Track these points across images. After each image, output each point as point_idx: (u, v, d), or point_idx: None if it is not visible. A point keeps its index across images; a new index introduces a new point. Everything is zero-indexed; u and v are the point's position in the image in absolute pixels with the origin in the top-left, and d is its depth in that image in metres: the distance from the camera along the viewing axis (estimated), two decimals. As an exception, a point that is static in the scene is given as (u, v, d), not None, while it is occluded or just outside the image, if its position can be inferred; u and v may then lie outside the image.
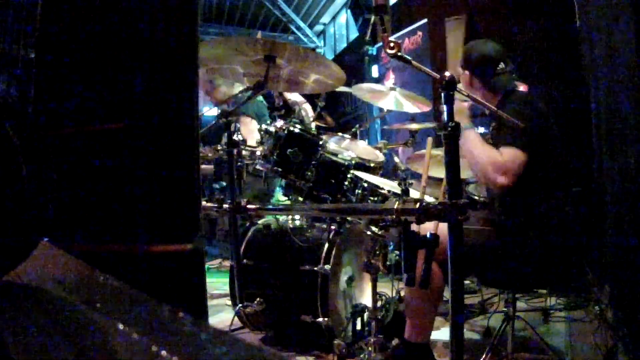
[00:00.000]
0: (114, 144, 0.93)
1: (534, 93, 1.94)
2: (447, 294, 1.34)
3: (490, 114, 1.98)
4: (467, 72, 2.00)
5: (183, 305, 0.52)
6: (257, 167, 2.44)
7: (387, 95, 2.74)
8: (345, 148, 2.53)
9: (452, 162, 1.23)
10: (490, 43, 2.02)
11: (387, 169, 2.90)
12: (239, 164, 2.37)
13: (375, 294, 1.82)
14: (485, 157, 1.76)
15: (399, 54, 1.29)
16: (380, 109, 3.41)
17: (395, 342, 1.88)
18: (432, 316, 1.85)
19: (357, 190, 2.28)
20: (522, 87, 2.22)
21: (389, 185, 2.18)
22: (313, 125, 2.50)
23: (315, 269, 2.16)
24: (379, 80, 5.98)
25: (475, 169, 1.83)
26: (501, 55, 1.98)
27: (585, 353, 2.15)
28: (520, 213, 1.83)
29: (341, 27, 9.91)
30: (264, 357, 0.37)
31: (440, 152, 2.30)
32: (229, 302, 2.59)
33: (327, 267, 2.16)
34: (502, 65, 1.96)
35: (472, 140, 1.82)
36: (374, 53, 6.09)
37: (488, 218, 1.93)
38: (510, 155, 1.72)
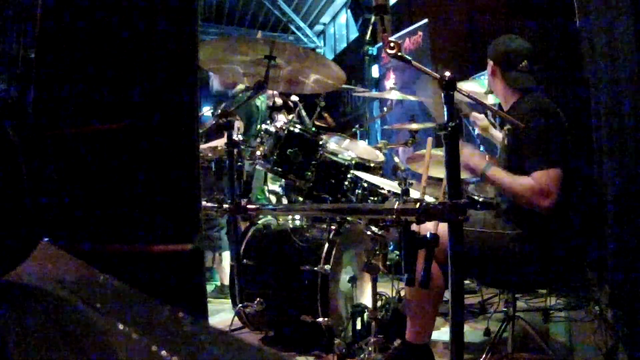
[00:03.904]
0: (114, 144, 0.93)
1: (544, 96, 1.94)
2: (447, 294, 1.34)
3: (494, 115, 1.98)
4: (491, 62, 2.01)
5: (183, 305, 0.52)
6: (257, 167, 2.44)
7: (389, 93, 2.76)
8: (345, 148, 2.53)
9: (452, 162, 1.23)
10: (519, 40, 2.01)
11: (387, 169, 2.90)
12: (239, 163, 2.37)
13: (375, 294, 1.82)
14: (519, 188, 1.76)
15: (399, 54, 1.29)
16: (381, 109, 3.41)
17: (396, 342, 1.88)
18: (433, 316, 1.85)
19: (357, 190, 2.28)
20: None
21: (389, 185, 2.18)
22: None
23: (315, 269, 2.16)
24: (380, 80, 5.99)
25: (517, 199, 1.81)
26: (526, 53, 1.97)
27: (585, 353, 2.15)
28: (521, 214, 1.83)
29: (341, 27, 9.90)
30: (264, 357, 0.37)
31: (440, 152, 2.30)
32: (229, 302, 2.59)
33: (327, 267, 2.16)
34: (525, 63, 1.96)
35: (498, 178, 1.82)
36: (374, 53, 6.10)
37: (490, 218, 1.93)
38: (546, 177, 1.72)
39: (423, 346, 1.82)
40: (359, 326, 2.13)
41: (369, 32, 5.29)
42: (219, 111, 2.13)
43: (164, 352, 0.34)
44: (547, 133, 1.78)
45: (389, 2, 1.30)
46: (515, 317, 2.05)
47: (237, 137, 2.04)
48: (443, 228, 1.27)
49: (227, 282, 3.34)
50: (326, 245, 2.22)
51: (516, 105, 1.94)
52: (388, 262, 2.50)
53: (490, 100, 2.38)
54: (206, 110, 3.49)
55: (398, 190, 1.93)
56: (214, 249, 3.41)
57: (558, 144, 1.78)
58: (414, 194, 1.97)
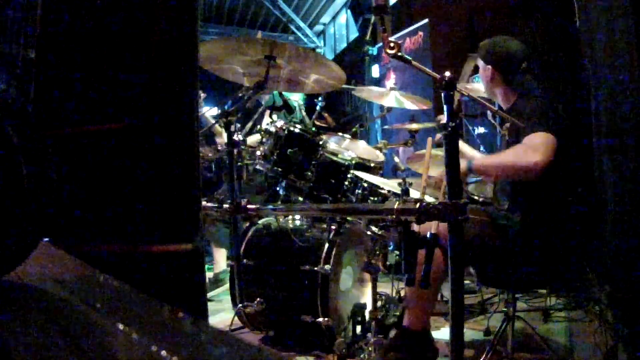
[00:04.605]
0: (114, 144, 0.93)
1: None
2: (447, 294, 1.34)
3: (493, 115, 1.98)
4: (489, 67, 1.98)
5: (183, 305, 0.52)
6: (257, 167, 2.44)
7: (388, 95, 2.75)
8: (345, 148, 2.53)
9: (452, 162, 1.24)
10: (515, 41, 2.00)
11: (387, 169, 2.91)
12: (239, 163, 2.37)
13: (375, 294, 1.82)
14: (509, 157, 1.75)
15: (399, 54, 1.29)
16: (381, 109, 3.42)
17: (392, 333, 1.87)
18: (432, 303, 1.84)
19: (357, 190, 2.28)
20: None
21: (389, 185, 2.18)
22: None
23: (315, 269, 2.16)
24: (380, 80, 5.98)
25: (509, 172, 1.80)
26: (524, 53, 1.97)
27: (585, 353, 2.14)
28: (521, 213, 1.83)
29: (341, 27, 9.91)
30: (264, 357, 0.37)
31: (440, 152, 2.30)
32: (229, 302, 2.59)
33: (327, 267, 2.16)
34: (525, 64, 1.96)
35: (485, 162, 1.82)
36: (374, 53, 6.09)
37: (489, 217, 1.92)
38: (537, 137, 1.70)
39: (422, 332, 1.79)
40: (359, 326, 2.13)
41: (369, 32, 5.29)
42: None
43: (164, 352, 0.35)
44: (544, 109, 1.78)
45: (389, 2, 1.30)
46: (515, 317, 2.05)
47: (237, 137, 2.04)
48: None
49: (219, 269, 3.39)
50: (326, 245, 2.21)
51: (516, 104, 1.94)
52: (388, 262, 2.50)
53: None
54: (206, 110, 3.49)
55: (398, 190, 1.93)
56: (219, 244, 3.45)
57: (555, 118, 1.77)
58: (414, 194, 1.97)
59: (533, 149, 1.68)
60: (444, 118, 1.75)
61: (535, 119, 1.74)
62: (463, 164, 1.80)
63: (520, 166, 1.71)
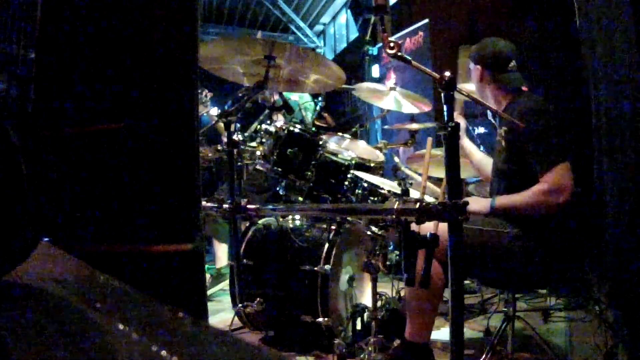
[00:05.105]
0: (114, 144, 0.93)
1: (537, 94, 1.94)
2: (447, 294, 1.34)
3: (494, 115, 1.98)
4: (479, 67, 2.00)
5: (183, 305, 0.52)
6: (257, 167, 2.44)
7: (387, 95, 2.74)
8: (345, 148, 2.53)
9: (452, 162, 1.23)
10: (503, 41, 2.02)
11: (387, 169, 2.90)
12: (239, 163, 2.37)
13: (375, 294, 1.82)
14: (532, 198, 1.75)
15: (399, 54, 1.29)
16: (381, 109, 3.41)
17: (396, 342, 1.88)
18: (433, 316, 1.85)
19: (357, 190, 2.28)
20: (523, 88, 2.22)
21: (389, 185, 2.18)
22: None
23: (315, 269, 2.16)
24: (380, 80, 5.98)
25: (534, 212, 1.81)
26: (513, 53, 1.98)
27: (585, 353, 2.14)
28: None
29: (341, 27, 9.90)
30: (264, 357, 0.37)
31: (440, 152, 2.30)
32: (229, 302, 2.59)
33: (327, 267, 2.16)
34: (513, 63, 1.97)
35: (506, 204, 1.83)
36: (374, 53, 6.09)
37: (489, 218, 1.92)
38: (555, 174, 1.72)
39: (423, 345, 1.82)
40: (359, 326, 2.13)
41: (369, 32, 5.28)
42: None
43: (164, 352, 0.35)
44: (549, 131, 1.79)
45: (389, 2, 1.30)
46: (515, 317, 2.05)
47: (237, 137, 2.04)
48: (444, 227, 1.27)
49: (221, 264, 3.42)
50: (326, 245, 2.21)
51: (510, 106, 1.94)
52: (388, 262, 2.50)
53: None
54: (206, 111, 3.49)
55: (398, 190, 1.93)
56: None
57: (561, 139, 1.78)
58: (414, 194, 1.97)
59: (557, 190, 1.71)
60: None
61: (546, 151, 1.75)
62: (486, 204, 1.84)
63: (547, 206, 1.75)
